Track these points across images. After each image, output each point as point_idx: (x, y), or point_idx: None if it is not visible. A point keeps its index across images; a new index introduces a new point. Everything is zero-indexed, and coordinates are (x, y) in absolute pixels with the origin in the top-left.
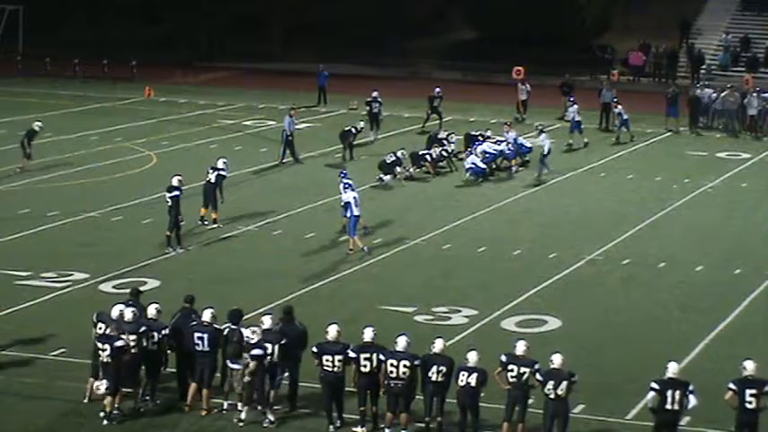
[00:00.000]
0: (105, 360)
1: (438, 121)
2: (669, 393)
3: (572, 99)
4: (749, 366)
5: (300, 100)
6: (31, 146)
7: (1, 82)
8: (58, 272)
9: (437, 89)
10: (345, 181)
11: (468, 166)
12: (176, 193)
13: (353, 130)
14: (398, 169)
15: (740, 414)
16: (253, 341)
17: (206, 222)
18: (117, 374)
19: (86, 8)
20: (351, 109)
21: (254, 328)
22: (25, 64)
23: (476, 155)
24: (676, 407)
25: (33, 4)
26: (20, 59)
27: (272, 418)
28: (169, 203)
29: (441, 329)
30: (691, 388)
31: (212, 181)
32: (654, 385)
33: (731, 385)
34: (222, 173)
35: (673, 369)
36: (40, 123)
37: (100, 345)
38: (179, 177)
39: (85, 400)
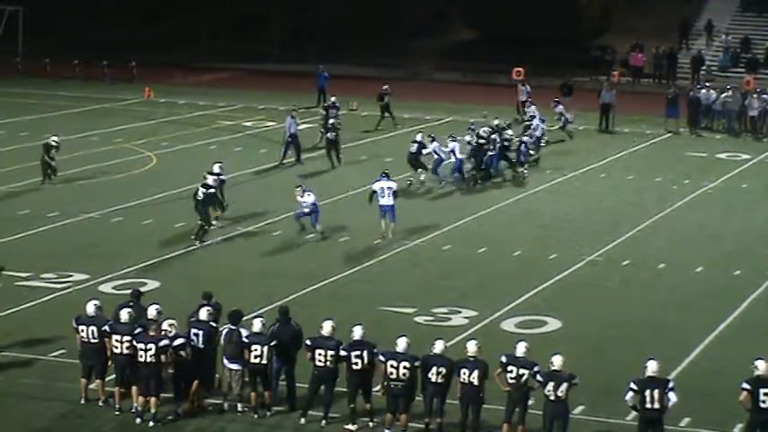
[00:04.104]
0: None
1: (391, 120)
2: (648, 392)
3: (556, 100)
4: (761, 366)
5: (300, 101)
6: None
7: (1, 82)
8: (58, 272)
9: (385, 86)
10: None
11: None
12: (211, 189)
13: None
14: (420, 171)
15: (754, 414)
16: (170, 334)
17: (220, 224)
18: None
19: (86, 8)
20: (351, 110)
21: (172, 321)
22: (25, 64)
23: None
24: (656, 405)
25: (33, 5)
26: (20, 60)
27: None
28: (200, 197)
29: (441, 330)
30: (671, 385)
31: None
32: (632, 386)
33: (745, 385)
34: (221, 177)
35: (652, 368)
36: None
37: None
38: (214, 177)
39: (82, 401)
